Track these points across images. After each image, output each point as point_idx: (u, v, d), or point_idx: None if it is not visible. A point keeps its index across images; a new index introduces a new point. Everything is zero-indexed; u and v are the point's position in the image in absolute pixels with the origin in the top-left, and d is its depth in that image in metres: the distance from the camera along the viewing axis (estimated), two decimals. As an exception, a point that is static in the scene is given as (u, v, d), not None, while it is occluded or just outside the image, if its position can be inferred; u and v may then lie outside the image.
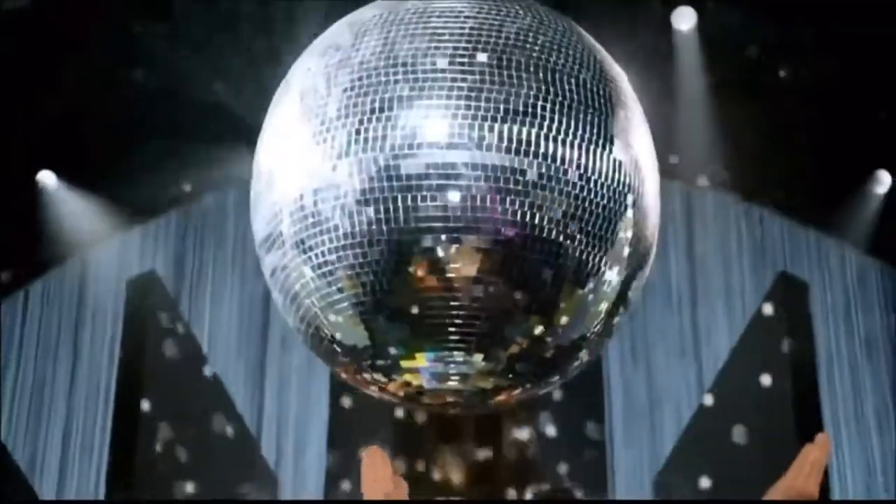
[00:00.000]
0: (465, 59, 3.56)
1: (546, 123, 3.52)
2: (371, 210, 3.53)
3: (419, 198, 3.50)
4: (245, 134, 4.03)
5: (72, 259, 8.45)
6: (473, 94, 3.52)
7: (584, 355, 4.09)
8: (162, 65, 7.34)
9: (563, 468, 8.21)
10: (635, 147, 3.79)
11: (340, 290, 3.71)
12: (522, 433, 8.12)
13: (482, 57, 3.57)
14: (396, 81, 3.55)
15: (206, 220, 8.64)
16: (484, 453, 8.03)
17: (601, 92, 3.73)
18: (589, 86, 3.69)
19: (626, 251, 3.85)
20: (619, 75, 3.92)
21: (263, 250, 3.91)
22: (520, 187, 3.50)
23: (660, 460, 8.15)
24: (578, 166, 3.58)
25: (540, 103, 3.54)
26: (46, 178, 8.12)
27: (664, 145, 4.17)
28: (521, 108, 3.53)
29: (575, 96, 3.62)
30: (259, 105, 4.02)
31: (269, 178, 3.80)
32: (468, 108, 3.51)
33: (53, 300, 8.47)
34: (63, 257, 8.42)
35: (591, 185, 3.58)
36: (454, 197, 3.50)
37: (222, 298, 8.53)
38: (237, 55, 7.17)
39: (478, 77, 3.54)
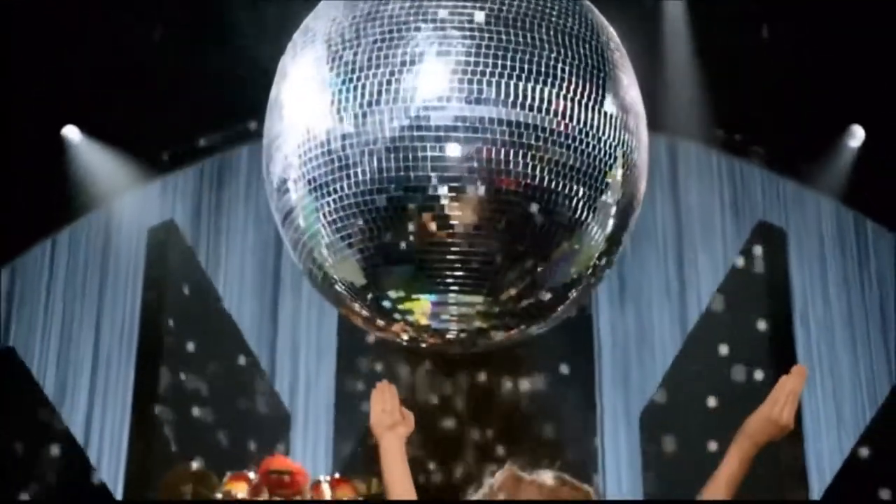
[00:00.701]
0: (492, 17, 3.59)
1: (563, 84, 3.57)
2: (399, 157, 3.56)
3: (444, 148, 3.53)
4: (262, 89, 4.00)
5: (96, 209, 8.47)
6: (500, 53, 3.55)
7: (575, 297, 4.14)
8: (183, 21, 7.28)
9: (553, 407, 8.26)
10: (629, 105, 3.83)
11: (349, 236, 3.74)
12: (516, 372, 8.16)
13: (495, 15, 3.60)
14: (427, 38, 3.57)
15: (221, 172, 8.65)
16: (480, 388, 8.07)
17: (605, 55, 3.78)
18: (598, 50, 3.74)
19: (617, 200, 3.88)
20: (616, 39, 3.95)
21: (278, 194, 3.92)
22: (533, 142, 3.54)
23: (645, 398, 8.20)
24: (583, 122, 3.63)
25: (560, 65, 3.59)
26: (71, 133, 8.12)
27: (652, 102, 4.19)
28: (542, 69, 3.58)
29: (589, 60, 3.68)
30: (276, 58, 3.99)
31: (290, 121, 3.79)
32: (494, 65, 3.54)
33: (79, 247, 8.49)
34: (88, 208, 8.44)
35: (590, 139, 3.62)
36: (473, 149, 3.54)
37: (236, 245, 8.55)
38: (256, 10, 7.09)
39: (503, 36, 3.57)
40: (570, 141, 3.56)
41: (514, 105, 3.53)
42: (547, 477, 2.67)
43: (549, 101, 3.55)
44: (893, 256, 8.14)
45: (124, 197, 8.40)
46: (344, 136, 3.60)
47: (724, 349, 7.63)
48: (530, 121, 3.54)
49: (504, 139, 3.54)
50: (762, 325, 7.48)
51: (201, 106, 7.77)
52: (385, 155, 3.58)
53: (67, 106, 7.83)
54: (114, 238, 8.48)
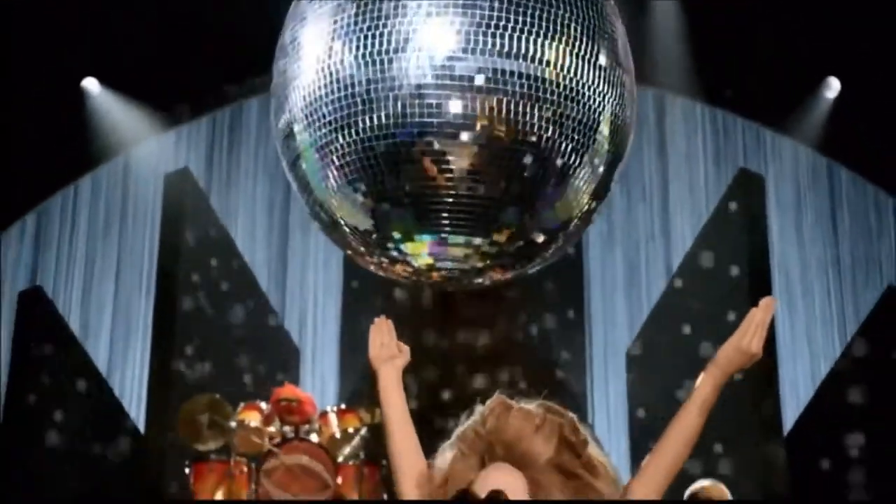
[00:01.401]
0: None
1: (572, 41, 3.59)
2: (408, 105, 3.56)
3: (447, 98, 3.54)
4: (275, 42, 3.97)
5: (115, 157, 8.47)
6: (521, 10, 3.56)
7: (566, 239, 4.16)
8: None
9: (545, 342, 8.31)
10: (620, 59, 3.85)
11: (354, 180, 3.75)
12: (511, 311, 8.20)
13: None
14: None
15: (233, 122, 8.64)
16: (476, 326, 8.11)
17: (602, 11, 3.79)
18: (597, 6, 3.76)
19: (606, 148, 3.90)
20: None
21: (286, 137, 3.91)
22: (541, 94, 3.56)
23: (632, 334, 8.25)
24: (579, 74, 3.65)
25: (573, 24, 3.60)
26: (90, 84, 8.11)
27: (640, 57, 4.19)
28: (557, 27, 3.60)
29: (587, 15, 3.70)
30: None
31: (306, 62, 3.76)
32: (515, 21, 3.55)
33: (100, 193, 8.51)
34: (107, 156, 8.44)
35: (584, 89, 3.64)
36: (477, 99, 3.55)
37: (247, 190, 8.57)
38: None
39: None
40: (567, 91, 3.57)
41: (524, 58, 3.54)
42: (535, 405, 2.70)
43: (556, 55, 3.56)
44: (864, 201, 8.15)
45: (141, 145, 8.40)
46: (369, 81, 3.58)
47: (705, 289, 7.65)
48: (531, 72, 3.54)
49: (514, 90, 3.55)
50: (741, 265, 7.49)
51: (215, 59, 7.74)
52: (395, 102, 3.57)
53: (87, 59, 7.81)
54: (132, 184, 8.49)
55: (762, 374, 6.97)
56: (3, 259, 8.16)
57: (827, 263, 8.08)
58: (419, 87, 3.57)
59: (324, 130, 3.71)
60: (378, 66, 3.57)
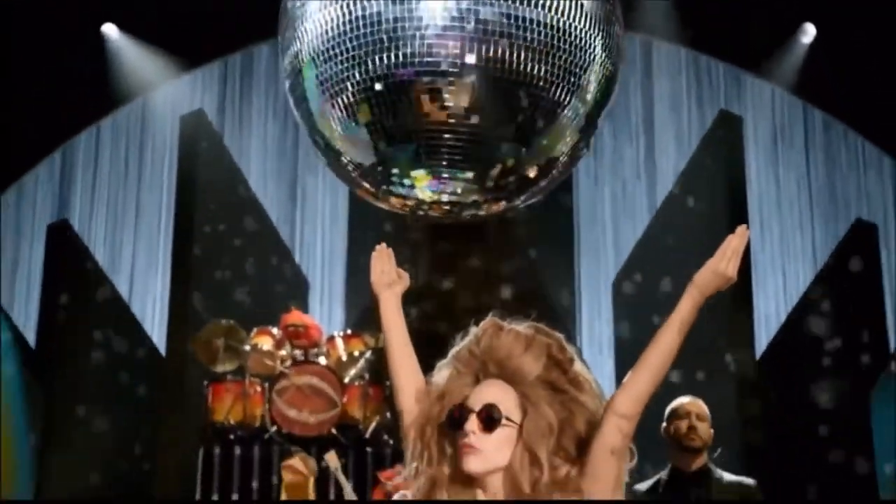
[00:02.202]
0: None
1: None
2: (414, 45, 3.53)
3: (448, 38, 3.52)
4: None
5: (134, 100, 8.42)
6: None
7: (556, 174, 4.16)
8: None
9: (535, 272, 8.36)
10: (610, 5, 3.83)
11: (359, 118, 3.74)
12: (505, 240, 8.23)
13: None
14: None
15: (244, 66, 8.58)
16: (472, 254, 8.14)
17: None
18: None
19: (594, 88, 3.89)
20: None
21: (294, 74, 3.88)
22: (535, 36, 3.54)
23: (618, 265, 8.28)
24: (573, 17, 3.63)
25: None
26: (110, 30, 8.03)
27: (628, 4, 4.17)
28: None
29: None
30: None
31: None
32: None
33: (120, 133, 8.47)
34: (127, 98, 8.39)
35: (573, 30, 3.61)
36: (484, 42, 3.53)
37: (259, 130, 8.56)
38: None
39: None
40: (559, 33, 3.55)
41: (544, 7, 3.52)
42: (525, 326, 2.71)
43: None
44: (836, 141, 8.12)
45: (158, 88, 8.35)
46: (395, 20, 3.55)
47: (687, 222, 7.65)
48: (533, 16, 3.52)
49: (510, 32, 3.53)
50: (721, 200, 7.48)
51: (226, 4, 7.66)
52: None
53: (106, 5, 7.74)
54: (150, 125, 8.47)
55: (737, 296, 7.01)
56: (33, 194, 8.16)
57: (800, 198, 8.08)
58: (427, 27, 3.54)
59: (334, 70, 3.69)
60: (406, 5, 3.54)
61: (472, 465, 2.52)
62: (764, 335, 7.51)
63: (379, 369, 6.93)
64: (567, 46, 3.66)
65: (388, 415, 6.90)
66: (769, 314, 7.72)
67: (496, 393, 2.58)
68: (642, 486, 4.64)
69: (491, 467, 2.53)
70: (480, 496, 2.57)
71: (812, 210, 8.05)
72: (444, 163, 3.87)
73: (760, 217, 7.90)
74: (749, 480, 4.90)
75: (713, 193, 7.60)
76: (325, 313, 8.47)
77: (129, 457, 7.24)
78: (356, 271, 8.43)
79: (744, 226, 2.54)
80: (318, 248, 8.75)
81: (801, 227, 8.02)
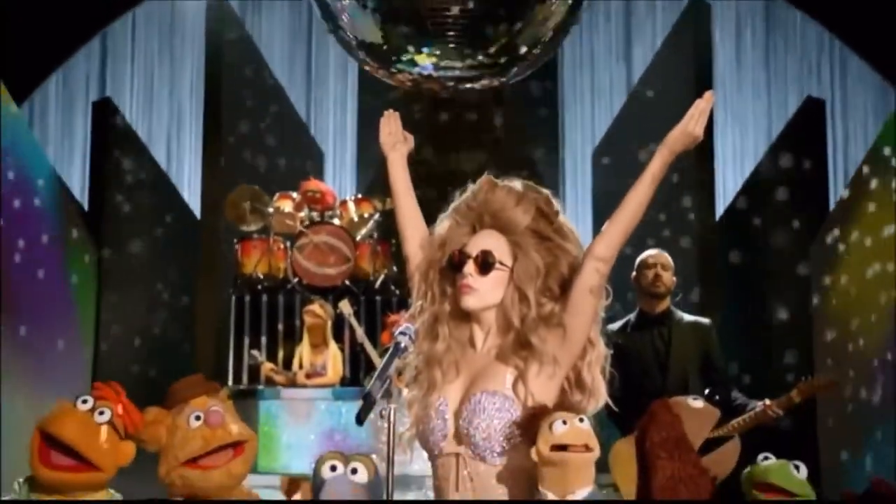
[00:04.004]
0: None
1: None
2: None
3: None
4: None
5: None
6: None
7: (545, 49, 4.09)
8: None
9: (523, 140, 8.31)
10: None
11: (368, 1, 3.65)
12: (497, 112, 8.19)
13: None
14: None
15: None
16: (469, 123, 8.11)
17: None
18: None
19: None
20: None
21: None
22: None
23: (598, 137, 8.23)
24: None
25: None
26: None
27: None
28: None
29: None
30: None
31: None
32: None
33: (153, 18, 8.26)
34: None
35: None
36: None
37: (277, 16, 8.38)
38: None
39: None
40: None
41: None
42: (517, 183, 2.70)
43: None
44: (794, 26, 7.94)
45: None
46: None
47: (659, 100, 7.55)
48: None
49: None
50: (689, 81, 7.35)
51: None
52: None
53: None
54: (179, 10, 8.25)
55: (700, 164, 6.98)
56: (77, 75, 8.02)
57: (759, 79, 7.97)
58: None
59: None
60: None
61: (470, 302, 2.55)
62: (722, 198, 7.51)
63: (386, 229, 6.94)
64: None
65: (395, 268, 6.95)
66: (728, 180, 7.72)
67: (491, 241, 2.59)
68: (614, 326, 4.70)
69: (485, 305, 2.56)
70: (476, 330, 2.61)
71: (769, 87, 7.95)
72: (445, 41, 3.79)
73: (723, 95, 7.80)
74: (704, 320, 4.97)
75: (683, 75, 7.46)
76: (338, 179, 8.47)
77: (173, 305, 7.32)
78: (365, 144, 8.39)
79: (710, 91, 2.51)
80: (331, 121, 8.69)
81: (758, 98, 7.94)
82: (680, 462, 2.43)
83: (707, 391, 4.50)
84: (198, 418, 2.96)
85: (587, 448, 2.32)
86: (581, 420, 2.34)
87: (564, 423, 2.32)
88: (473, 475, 2.42)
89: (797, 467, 2.66)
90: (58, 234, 6.24)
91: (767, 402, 4.48)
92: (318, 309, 6.19)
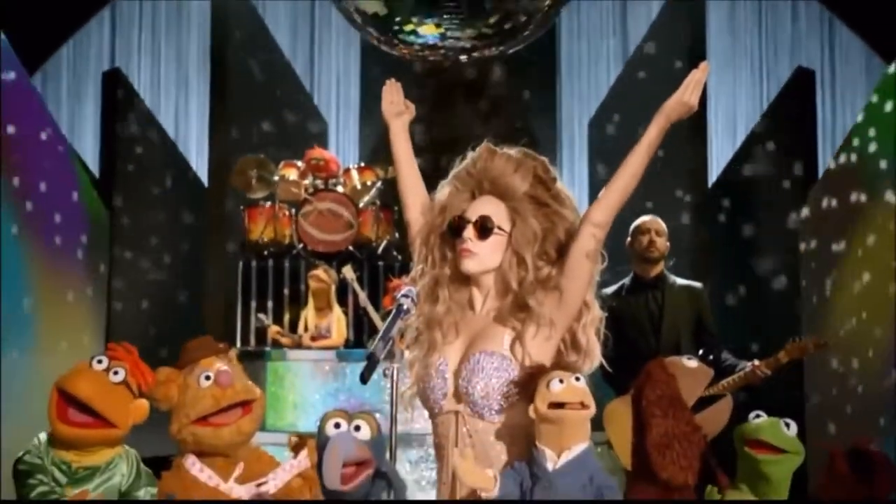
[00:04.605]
0: None
1: None
2: None
3: None
4: None
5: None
6: None
7: (543, 20, 4.06)
8: None
9: (523, 111, 8.27)
10: None
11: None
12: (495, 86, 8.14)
13: None
14: None
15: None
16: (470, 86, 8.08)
17: None
18: None
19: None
20: None
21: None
22: None
23: (594, 107, 8.19)
24: None
25: None
26: None
27: None
28: None
29: None
30: None
31: None
32: None
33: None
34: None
35: None
36: None
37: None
38: None
39: None
40: None
41: None
42: (515, 151, 2.69)
43: None
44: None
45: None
46: None
47: (653, 71, 7.50)
48: None
49: None
50: (682, 51, 7.30)
51: None
52: None
53: None
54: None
55: (694, 133, 6.96)
56: (88, 46, 7.96)
57: (752, 49, 7.91)
58: None
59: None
60: None
61: (469, 266, 2.56)
62: (715, 166, 7.49)
63: (388, 196, 6.93)
64: None
65: (397, 234, 6.95)
66: (722, 145, 7.70)
67: (489, 206, 2.59)
68: (609, 290, 4.71)
69: (484, 268, 2.57)
70: (475, 293, 2.61)
71: (762, 58, 7.89)
72: (446, 11, 3.77)
73: (716, 64, 7.74)
74: (697, 284, 4.99)
75: (676, 45, 7.41)
76: (341, 148, 8.45)
77: (182, 269, 7.33)
78: (367, 114, 8.36)
79: (705, 62, 2.50)
80: (334, 93, 8.65)
81: (749, 69, 7.89)
82: (674, 419, 2.45)
83: (700, 352, 4.53)
84: (208, 378, 2.98)
85: (583, 405, 2.34)
86: (577, 379, 2.36)
87: (561, 381, 2.34)
88: (472, 432, 2.44)
89: (787, 425, 2.69)
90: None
91: (756, 362, 4.51)
92: (322, 274, 6.19)
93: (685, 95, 2.47)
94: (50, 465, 2.86)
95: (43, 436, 2.93)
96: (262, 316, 6.52)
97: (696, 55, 6.85)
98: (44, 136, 5.65)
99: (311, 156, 7.09)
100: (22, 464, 2.87)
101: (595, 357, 2.54)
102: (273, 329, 6.40)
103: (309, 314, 6.24)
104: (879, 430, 5.05)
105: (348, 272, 6.09)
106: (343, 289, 6.41)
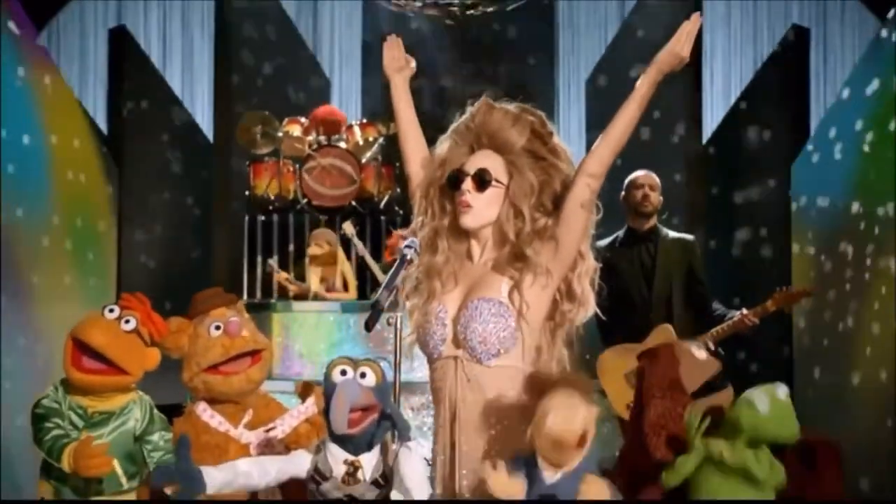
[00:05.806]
0: None
1: None
2: None
3: None
4: None
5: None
6: None
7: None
8: None
9: (521, 71, 8.22)
10: None
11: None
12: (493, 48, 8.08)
13: None
14: None
15: None
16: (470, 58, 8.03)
17: None
18: None
19: None
20: None
21: None
22: None
23: (591, 66, 8.12)
24: None
25: None
26: None
27: None
28: None
29: None
30: None
31: None
32: None
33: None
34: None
35: None
36: None
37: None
38: None
39: None
40: None
41: None
42: (513, 105, 2.70)
43: None
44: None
45: None
46: None
47: (650, 28, 7.42)
48: None
49: None
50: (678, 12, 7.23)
51: None
52: None
53: None
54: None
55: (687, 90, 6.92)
56: (95, 2, 7.87)
57: (747, 6, 7.84)
58: None
59: None
60: None
61: (468, 221, 2.58)
62: (710, 121, 7.47)
63: (390, 152, 6.92)
64: None
65: (398, 189, 6.95)
66: (716, 103, 7.66)
67: (487, 160, 2.60)
68: (603, 242, 4.74)
69: (482, 223, 2.59)
70: (474, 244, 2.63)
71: (755, 16, 7.82)
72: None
73: (709, 22, 7.67)
74: (689, 236, 5.01)
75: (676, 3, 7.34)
76: (343, 105, 8.40)
77: (190, 223, 7.34)
78: (369, 71, 8.31)
79: (696, 13, 2.49)
80: (337, 51, 8.59)
81: (741, 25, 7.83)
82: (672, 402, 2.43)
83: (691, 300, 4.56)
84: (217, 328, 3.02)
85: (580, 443, 2.21)
86: (576, 407, 2.21)
87: (559, 415, 2.20)
88: (470, 376, 2.48)
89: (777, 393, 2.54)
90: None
91: (744, 311, 4.55)
92: (322, 243, 6.19)
93: (677, 47, 2.47)
94: (67, 409, 2.91)
95: (59, 382, 2.98)
96: (270, 262, 6.53)
97: (691, 11, 6.81)
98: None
99: (318, 113, 7.09)
100: (39, 407, 2.92)
101: (590, 306, 2.57)
102: (281, 275, 6.43)
103: (313, 273, 6.26)
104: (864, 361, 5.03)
105: (348, 228, 6.11)
106: (345, 244, 6.43)
